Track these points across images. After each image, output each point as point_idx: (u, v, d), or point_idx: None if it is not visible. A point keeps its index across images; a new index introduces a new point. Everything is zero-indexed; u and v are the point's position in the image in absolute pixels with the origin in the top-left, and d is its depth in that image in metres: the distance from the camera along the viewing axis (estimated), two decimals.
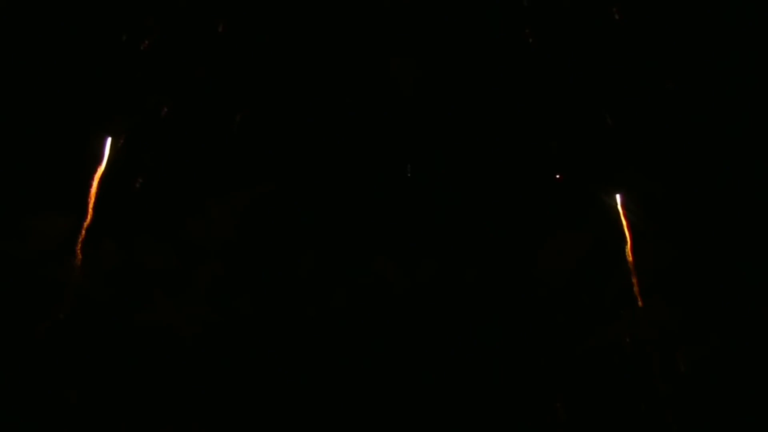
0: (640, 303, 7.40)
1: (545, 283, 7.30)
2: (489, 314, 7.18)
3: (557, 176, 7.66)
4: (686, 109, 7.78)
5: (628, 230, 7.56)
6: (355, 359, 6.76)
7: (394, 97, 7.55)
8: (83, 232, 7.39)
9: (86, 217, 7.47)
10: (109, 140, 7.58)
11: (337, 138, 7.48)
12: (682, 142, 7.73)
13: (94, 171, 7.53)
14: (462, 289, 7.23)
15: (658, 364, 7.17)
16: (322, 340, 6.84)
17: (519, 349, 7.12)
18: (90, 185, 7.52)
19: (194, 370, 6.66)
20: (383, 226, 7.28)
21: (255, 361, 6.73)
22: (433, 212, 7.30)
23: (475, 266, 7.26)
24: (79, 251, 7.31)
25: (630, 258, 7.49)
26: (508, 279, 7.24)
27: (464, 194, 7.43)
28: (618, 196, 7.64)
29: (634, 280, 7.42)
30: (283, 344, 6.85)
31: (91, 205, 7.52)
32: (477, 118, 7.58)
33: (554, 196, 7.60)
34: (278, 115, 7.62)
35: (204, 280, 6.99)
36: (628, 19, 7.79)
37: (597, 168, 7.71)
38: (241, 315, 6.93)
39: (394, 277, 7.11)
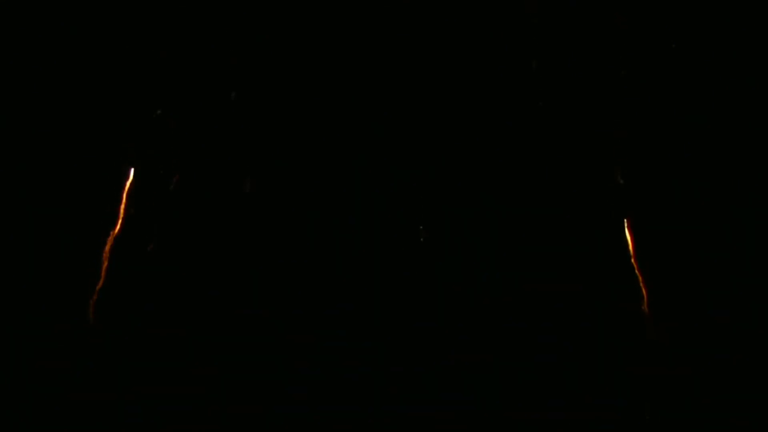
0: (646, 309, 7.40)
1: (551, 296, 7.31)
2: (493, 327, 7.19)
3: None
4: (701, 129, 7.83)
5: (634, 251, 7.59)
6: (357, 360, 6.78)
7: (400, 110, 7.70)
8: (96, 294, 7.52)
9: (100, 281, 7.62)
10: (124, 203, 7.72)
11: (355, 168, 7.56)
12: (696, 161, 7.76)
13: (108, 234, 7.66)
14: (467, 306, 7.26)
15: (667, 377, 7.11)
16: (322, 341, 6.87)
17: (523, 363, 7.11)
18: (104, 245, 7.65)
19: (194, 370, 6.71)
20: (386, 230, 7.36)
21: (255, 361, 6.77)
22: (436, 226, 7.36)
23: (482, 284, 7.29)
24: (91, 311, 7.45)
25: (639, 278, 7.51)
26: (513, 291, 7.26)
27: (472, 214, 7.49)
28: (625, 221, 7.67)
29: (644, 294, 7.42)
30: (283, 345, 6.89)
31: (104, 267, 7.65)
32: (484, 130, 7.68)
33: (561, 214, 7.64)
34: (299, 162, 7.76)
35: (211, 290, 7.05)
36: (639, 30, 7.92)
37: (604, 188, 7.76)
38: (242, 317, 7.00)
39: (396, 282, 7.13)
